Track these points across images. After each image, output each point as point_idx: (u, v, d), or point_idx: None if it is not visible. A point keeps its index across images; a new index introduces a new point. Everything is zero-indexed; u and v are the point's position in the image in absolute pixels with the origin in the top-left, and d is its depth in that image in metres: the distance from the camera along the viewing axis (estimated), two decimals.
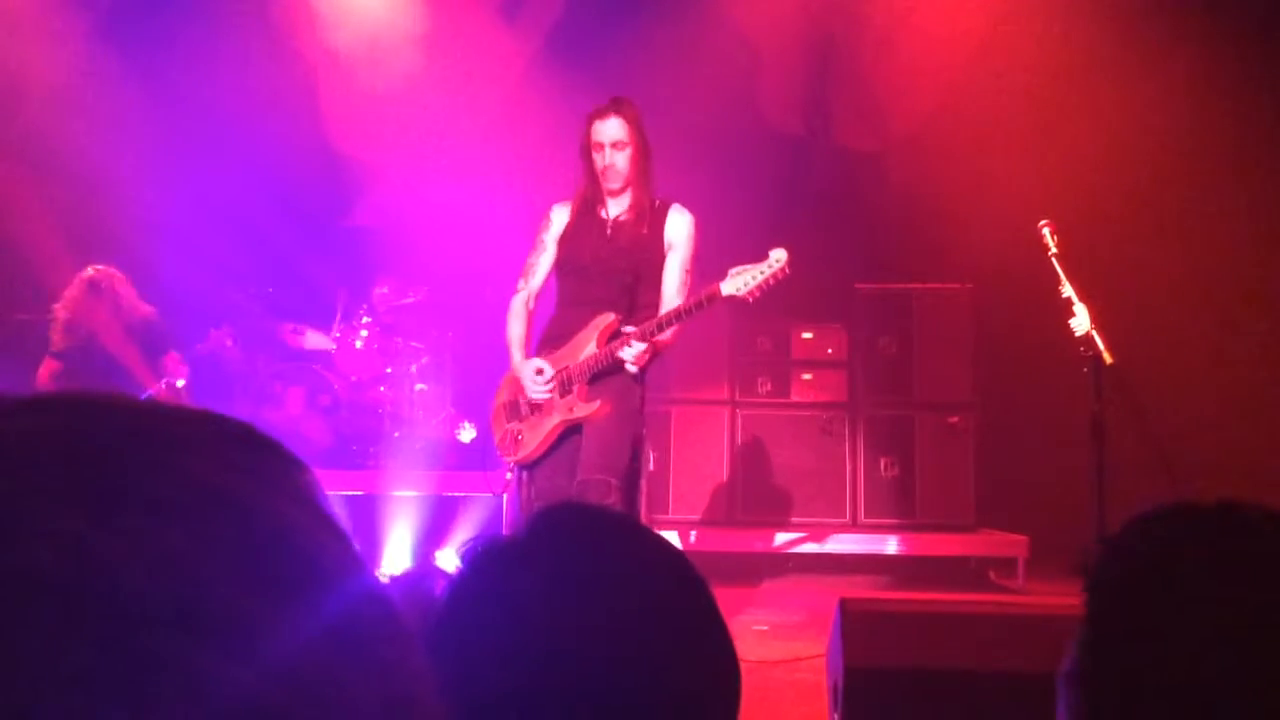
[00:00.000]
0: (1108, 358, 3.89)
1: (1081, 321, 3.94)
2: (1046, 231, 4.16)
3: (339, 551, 0.36)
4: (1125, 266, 6.72)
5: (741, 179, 7.27)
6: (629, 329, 3.98)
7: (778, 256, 3.83)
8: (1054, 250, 4.12)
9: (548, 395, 4.07)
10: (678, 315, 3.89)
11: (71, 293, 6.06)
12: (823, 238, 7.28)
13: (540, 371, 4.08)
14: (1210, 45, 6.94)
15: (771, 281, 3.82)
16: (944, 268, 7.02)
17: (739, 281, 3.83)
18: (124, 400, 0.36)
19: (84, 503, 0.31)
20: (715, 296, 3.84)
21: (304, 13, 7.81)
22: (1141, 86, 6.98)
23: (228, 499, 0.34)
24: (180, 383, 6.06)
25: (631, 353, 3.89)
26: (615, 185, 4.14)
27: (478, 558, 0.95)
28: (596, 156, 4.13)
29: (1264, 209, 7.06)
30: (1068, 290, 4.01)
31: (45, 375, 6.06)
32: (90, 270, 6.10)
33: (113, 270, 6.16)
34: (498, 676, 0.86)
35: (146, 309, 6.22)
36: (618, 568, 0.94)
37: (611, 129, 4.11)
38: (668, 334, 3.97)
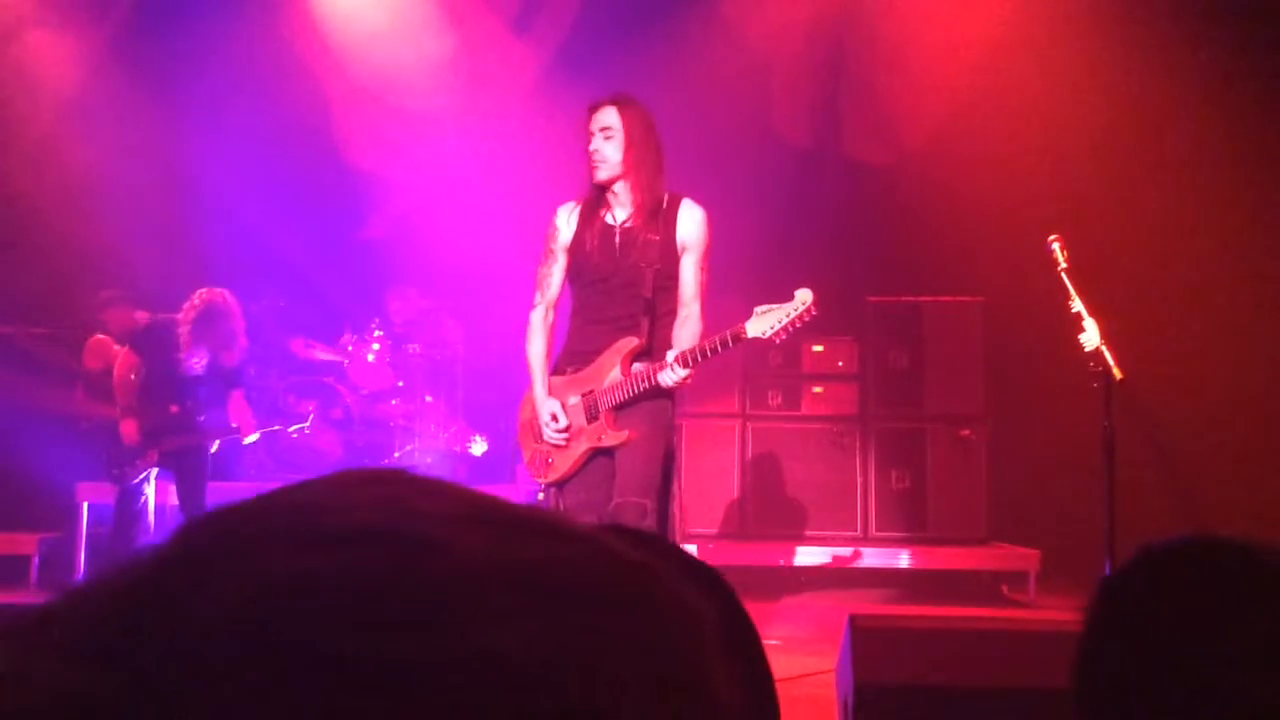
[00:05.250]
0: (1118, 373, 3.89)
1: (1091, 337, 3.94)
2: (1056, 246, 4.16)
3: None
4: (1136, 282, 6.72)
5: (752, 192, 7.28)
6: (671, 353, 3.85)
7: (804, 298, 3.74)
8: (1064, 265, 4.12)
9: (562, 442, 4.03)
10: (702, 353, 3.79)
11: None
12: (833, 251, 7.30)
13: (555, 418, 4.01)
14: (1223, 56, 6.93)
15: (798, 323, 3.74)
16: (955, 281, 7.02)
17: (764, 323, 3.74)
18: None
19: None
20: (740, 337, 3.76)
21: (317, 27, 7.86)
22: (1154, 100, 6.98)
23: None
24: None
25: (673, 378, 3.81)
26: (601, 175, 3.99)
27: None
28: (590, 147, 4.02)
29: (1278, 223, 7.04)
30: (1077, 305, 4.01)
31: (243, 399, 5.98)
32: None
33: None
34: None
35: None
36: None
37: (602, 117, 3.99)
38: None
